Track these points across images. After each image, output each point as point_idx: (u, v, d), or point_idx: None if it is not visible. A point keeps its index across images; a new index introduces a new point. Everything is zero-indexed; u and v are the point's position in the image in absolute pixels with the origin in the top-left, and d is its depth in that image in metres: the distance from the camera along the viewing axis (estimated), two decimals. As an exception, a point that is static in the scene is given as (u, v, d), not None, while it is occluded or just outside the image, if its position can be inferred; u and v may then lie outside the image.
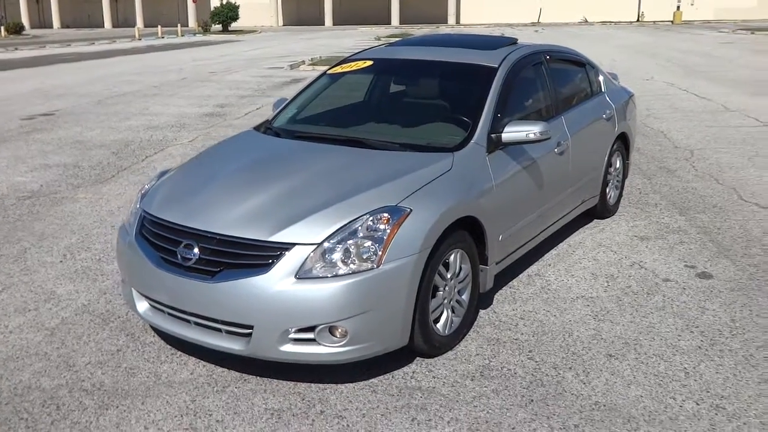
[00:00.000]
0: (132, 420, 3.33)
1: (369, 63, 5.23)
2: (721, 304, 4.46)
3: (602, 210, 6.07)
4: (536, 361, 3.79)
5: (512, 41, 5.31)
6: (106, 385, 3.64)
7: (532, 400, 3.43)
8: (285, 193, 3.73)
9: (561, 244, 5.57)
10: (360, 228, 3.42)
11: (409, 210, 3.52)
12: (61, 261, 5.41)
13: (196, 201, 3.80)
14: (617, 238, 5.72)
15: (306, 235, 3.39)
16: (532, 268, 5.08)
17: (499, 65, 4.69)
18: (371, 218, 3.45)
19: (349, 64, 5.29)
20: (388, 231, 3.41)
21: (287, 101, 5.26)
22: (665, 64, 20.49)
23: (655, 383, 3.56)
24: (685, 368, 3.70)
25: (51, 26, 76.29)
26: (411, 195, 3.62)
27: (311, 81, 5.46)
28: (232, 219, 3.55)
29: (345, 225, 3.42)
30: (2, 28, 55.67)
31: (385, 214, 3.47)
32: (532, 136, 4.22)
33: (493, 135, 4.27)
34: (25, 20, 68.97)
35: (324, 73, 5.42)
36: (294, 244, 3.36)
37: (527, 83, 4.99)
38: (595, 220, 6.13)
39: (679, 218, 6.19)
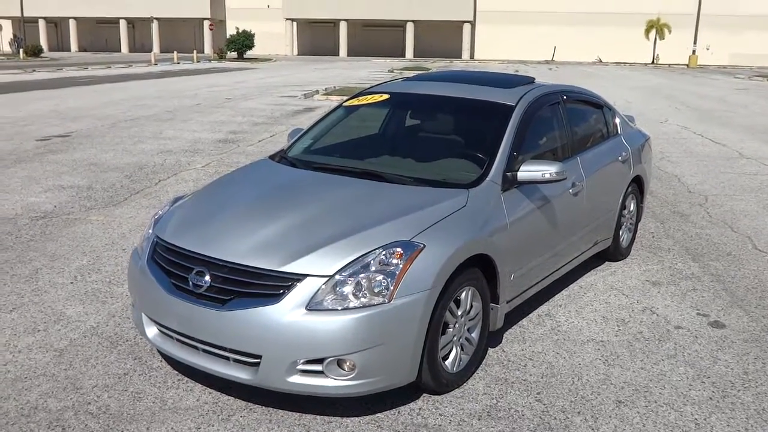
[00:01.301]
0: (136, 447, 3.30)
1: (386, 97, 5.26)
2: (734, 355, 4.41)
3: (615, 252, 6.05)
4: (544, 404, 3.75)
5: (530, 80, 5.34)
6: (111, 409, 3.61)
7: (540, 444, 3.38)
8: (298, 223, 3.73)
9: (572, 285, 5.54)
10: (373, 262, 3.41)
11: (422, 245, 3.51)
12: (71, 282, 5.42)
13: (210, 228, 3.81)
14: (629, 282, 5.68)
15: (318, 266, 3.39)
16: (543, 308, 5.05)
17: (517, 104, 4.72)
18: (384, 252, 3.45)
19: (365, 97, 5.32)
20: (401, 266, 3.41)
21: (303, 131, 5.29)
22: (680, 108, 20.55)
23: (666, 432, 3.51)
24: (695, 419, 3.64)
25: (69, 49, 77.48)
26: (425, 230, 3.62)
27: (327, 113, 5.49)
28: (245, 248, 3.55)
29: (358, 258, 3.42)
30: (21, 50, 56.47)
31: (399, 249, 3.47)
32: (548, 176, 4.22)
33: (508, 173, 4.27)
34: (43, 43, 70.11)
35: (340, 105, 5.46)
36: (306, 276, 3.36)
37: (544, 123, 5.01)
38: (607, 262, 6.10)
39: (692, 264, 6.15)
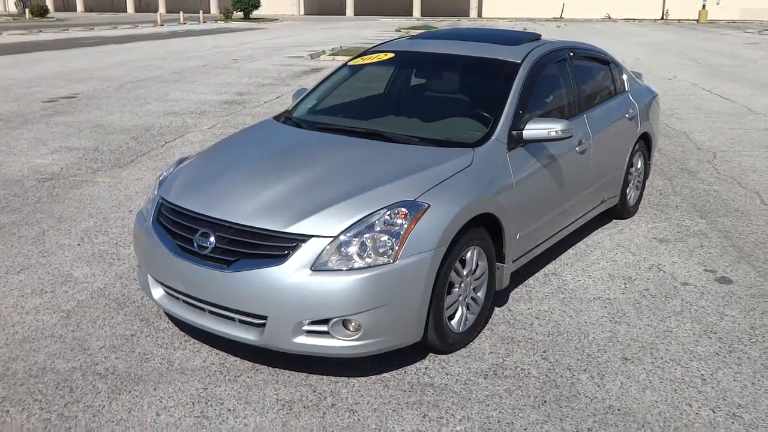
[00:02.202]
0: (144, 406, 3.34)
1: (390, 55, 5.19)
2: (741, 311, 4.40)
3: (622, 210, 6.01)
4: (550, 362, 3.75)
5: (536, 37, 5.25)
6: (119, 370, 3.64)
7: (545, 401, 3.40)
8: (303, 184, 3.71)
9: (579, 243, 5.52)
10: (377, 222, 3.40)
11: (427, 205, 3.49)
12: (78, 244, 5.43)
13: (214, 190, 3.79)
14: (636, 240, 5.66)
15: (323, 227, 3.38)
16: (549, 267, 5.04)
17: (522, 61, 4.64)
18: (389, 212, 3.43)
19: (370, 56, 5.25)
20: (406, 226, 3.39)
21: (307, 91, 5.24)
22: (689, 64, 20.27)
23: (671, 389, 3.51)
24: (702, 375, 3.65)
25: (75, 10, 76.80)
26: (429, 190, 3.59)
27: (332, 72, 5.43)
28: (250, 209, 3.53)
29: (362, 218, 3.40)
30: (27, 10, 56.06)
31: (403, 209, 3.44)
32: (553, 134, 4.17)
33: (514, 132, 4.22)
34: (49, 3, 69.61)
35: (345, 65, 5.39)
36: (310, 236, 3.35)
37: (550, 80, 4.94)
38: (615, 220, 6.07)
39: (699, 221, 6.11)
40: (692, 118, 11.25)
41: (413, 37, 5.68)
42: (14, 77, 15.72)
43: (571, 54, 5.26)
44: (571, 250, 5.37)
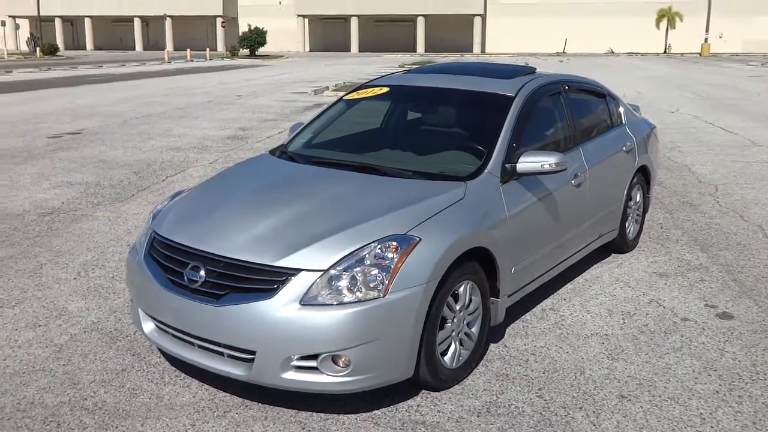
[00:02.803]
0: (130, 443, 3.28)
1: (385, 90, 5.21)
2: (742, 347, 4.32)
3: (621, 244, 5.96)
4: (545, 400, 3.69)
5: (530, 70, 5.26)
6: (107, 405, 3.60)
7: (539, 439, 3.33)
8: (294, 217, 3.69)
9: (577, 278, 5.47)
10: (367, 256, 3.37)
11: (418, 239, 3.47)
12: (75, 278, 5.41)
13: (206, 223, 3.78)
14: (636, 274, 5.60)
15: (312, 260, 3.35)
16: (547, 302, 4.99)
17: (516, 94, 4.65)
18: (379, 246, 3.40)
19: (365, 90, 5.27)
20: (396, 260, 3.36)
21: (303, 126, 5.25)
22: (691, 97, 20.34)
23: (669, 428, 3.43)
24: (701, 413, 3.57)
25: (84, 48, 77.95)
26: (421, 224, 3.57)
27: (327, 106, 5.45)
28: (240, 242, 3.52)
29: (352, 252, 3.37)
30: (38, 49, 56.84)
31: (394, 243, 3.42)
32: (547, 166, 4.16)
33: (507, 165, 4.21)
34: (59, 42, 70.64)
35: (340, 99, 5.41)
36: (300, 270, 3.32)
37: (544, 113, 4.94)
38: (614, 254, 6.02)
39: (700, 255, 6.06)
40: (694, 150, 11.24)
41: (409, 71, 5.71)
42: (21, 113, 15.86)
43: (566, 87, 5.27)
44: (569, 285, 5.32)
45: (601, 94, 5.94)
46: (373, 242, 3.42)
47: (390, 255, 3.38)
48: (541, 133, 4.91)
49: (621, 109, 6.14)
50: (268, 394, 3.62)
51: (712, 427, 3.45)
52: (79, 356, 4.13)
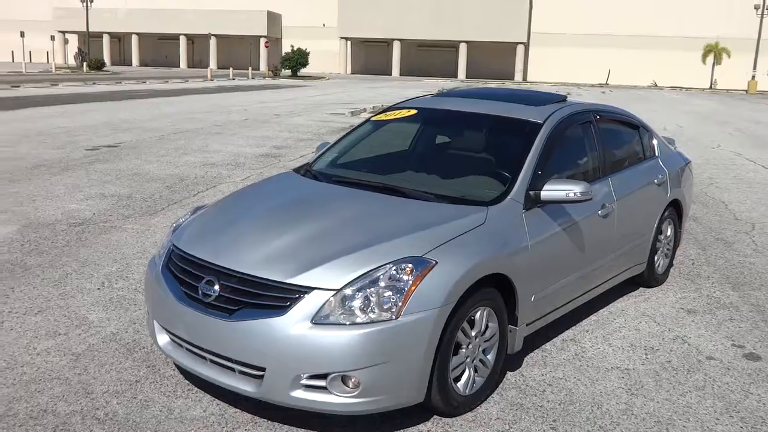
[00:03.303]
0: (137, 455, 3.28)
1: (413, 112, 5.21)
2: None
3: (649, 278, 5.84)
4: (559, 432, 3.60)
5: (561, 98, 5.22)
6: (118, 416, 3.60)
7: (550, 473, 3.25)
8: (311, 236, 3.68)
9: (602, 310, 5.36)
10: (382, 277, 3.34)
11: (434, 262, 3.43)
12: (98, 288, 5.47)
13: (223, 238, 3.79)
14: (662, 309, 5.48)
15: (326, 279, 3.33)
16: (568, 333, 4.89)
17: (545, 121, 4.61)
18: (394, 268, 3.38)
19: (392, 111, 5.28)
20: (411, 282, 3.33)
21: (329, 145, 5.27)
22: (734, 133, 20.00)
23: (685, 467, 3.33)
24: (719, 454, 3.46)
25: (130, 64, 79.72)
26: (438, 247, 3.53)
27: (354, 127, 5.46)
28: (255, 259, 3.52)
29: (367, 272, 3.35)
30: (85, 63, 58.27)
31: (409, 265, 3.39)
32: (572, 195, 4.10)
33: (531, 192, 4.16)
34: (106, 57, 72.40)
35: (368, 120, 5.42)
36: (313, 288, 3.30)
37: (573, 142, 4.88)
38: (641, 288, 5.90)
39: (731, 294, 5.91)
40: (733, 187, 11.03)
41: (437, 94, 5.70)
42: (62, 126, 16.21)
43: (598, 117, 5.21)
44: (593, 317, 5.22)
45: (634, 125, 5.86)
46: (388, 263, 3.39)
47: (405, 277, 3.35)
48: (569, 162, 4.85)
49: (654, 142, 6.04)
50: (278, 413, 3.60)
51: (731, 470, 3.34)
52: (95, 366, 4.16)
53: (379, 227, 3.75)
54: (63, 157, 11.71)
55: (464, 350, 3.65)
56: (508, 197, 4.09)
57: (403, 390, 3.36)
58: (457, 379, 3.66)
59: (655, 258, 5.84)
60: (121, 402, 3.75)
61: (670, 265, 6.27)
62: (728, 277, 6.37)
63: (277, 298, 3.33)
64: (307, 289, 3.30)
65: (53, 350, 4.35)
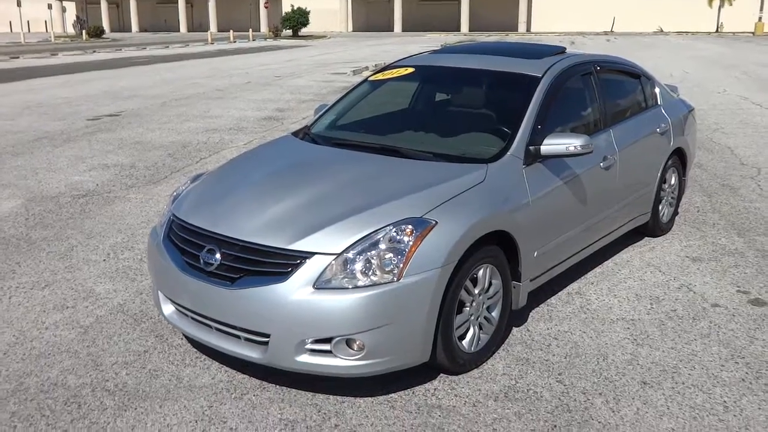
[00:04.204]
0: (147, 423, 3.32)
1: (410, 70, 5.15)
2: (773, 334, 4.20)
3: (654, 228, 5.82)
4: (565, 385, 3.63)
5: (560, 50, 5.14)
6: (128, 386, 3.65)
7: (555, 426, 3.28)
8: (310, 200, 3.67)
9: (607, 261, 5.36)
10: (382, 239, 3.34)
11: (434, 222, 3.42)
12: (104, 260, 5.50)
13: (223, 206, 3.79)
14: (667, 258, 5.47)
15: (326, 244, 3.33)
16: (573, 286, 4.90)
17: (543, 75, 4.54)
18: (394, 230, 3.37)
19: (390, 71, 5.22)
20: (411, 243, 3.32)
21: (327, 107, 5.22)
22: (740, 77, 19.74)
23: (690, 416, 3.35)
24: (724, 402, 3.48)
25: (130, 30, 78.94)
26: (438, 207, 3.52)
27: (352, 87, 5.41)
28: (256, 225, 3.51)
29: (367, 235, 3.35)
30: (84, 31, 57.80)
31: (409, 226, 3.38)
32: (572, 149, 4.06)
33: (531, 147, 4.12)
34: (105, 24, 71.63)
35: (365, 80, 5.36)
36: (314, 253, 3.30)
37: (573, 94, 4.82)
38: (646, 237, 5.88)
39: (737, 240, 5.89)
40: (738, 132, 10.91)
41: (435, 51, 5.62)
42: (64, 96, 16.15)
43: (598, 68, 5.13)
44: (597, 269, 5.22)
45: (635, 74, 5.78)
46: (388, 225, 3.38)
47: (405, 238, 3.34)
48: (569, 115, 4.79)
49: (657, 90, 5.96)
50: (286, 377, 3.63)
51: (735, 415, 3.36)
52: (103, 338, 4.20)
53: (378, 189, 3.73)
54: (65, 128, 11.68)
55: (468, 308, 3.66)
56: (508, 153, 4.06)
57: (407, 351, 3.38)
58: (462, 337, 3.68)
59: (660, 207, 5.81)
60: (131, 373, 3.79)
61: (675, 213, 6.24)
62: (734, 223, 6.34)
63: (279, 264, 3.34)
64: (308, 255, 3.30)
65: (61, 324, 4.39)
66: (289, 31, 59.09)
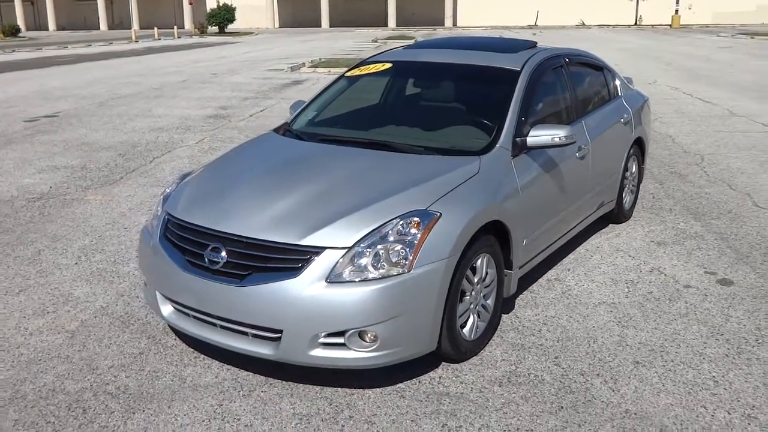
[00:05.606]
0: (160, 424, 3.29)
1: (388, 66, 5.20)
2: (745, 312, 4.44)
3: (618, 215, 6.06)
4: (563, 368, 3.76)
5: (532, 44, 5.28)
6: (131, 389, 3.60)
7: (562, 407, 3.40)
8: (313, 196, 3.70)
9: (578, 248, 5.55)
10: (390, 232, 3.39)
11: (439, 214, 3.49)
12: (76, 263, 5.37)
13: (223, 204, 3.76)
14: (634, 243, 5.70)
15: (336, 238, 3.36)
16: (551, 273, 5.06)
17: (522, 68, 4.67)
18: (402, 222, 3.43)
19: (367, 66, 5.25)
20: (419, 235, 3.39)
21: (305, 104, 5.23)
22: (667, 68, 20.52)
23: (685, 392, 3.53)
24: (713, 376, 3.67)
25: (46, 28, 76.08)
26: (440, 199, 3.60)
27: (329, 84, 5.42)
28: (261, 222, 3.51)
29: (375, 229, 3.40)
30: (-2, 30, 55.56)
31: (416, 218, 3.44)
32: (557, 140, 4.20)
33: (518, 139, 4.25)
34: (20, 22, 68.82)
35: (342, 76, 5.39)
36: (324, 248, 3.33)
37: (548, 87, 4.97)
38: (611, 224, 6.11)
39: (694, 223, 6.17)
40: (676, 121, 11.38)
41: (409, 46, 5.69)
42: (-7, 97, 15.53)
43: (567, 60, 5.30)
44: (571, 255, 5.40)
45: (599, 66, 5.99)
46: (395, 218, 3.44)
47: (413, 231, 3.40)
48: (547, 107, 4.94)
49: (617, 82, 6.20)
50: (291, 372, 3.65)
51: (725, 389, 3.55)
52: (93, 341, 4.11)
53: (378, 183, 3.78)
54: (2, 130, 11.25)
55: (468, 297, 3.75)
56: (497, 145, 4.17)
57: (417, 340, 3.45)
58: (463, 325, 3.77)
59: (623, 195, 6.04)
60: (130, 375, 3.74)
61: (635, 200, 6.50)
62: (688, 207, 6.64)
63: (289, 260, 3.35)
64: (319, 249, 3.33)
65: (45, 329, 4.28)
66: (215, 28, 58.15)
